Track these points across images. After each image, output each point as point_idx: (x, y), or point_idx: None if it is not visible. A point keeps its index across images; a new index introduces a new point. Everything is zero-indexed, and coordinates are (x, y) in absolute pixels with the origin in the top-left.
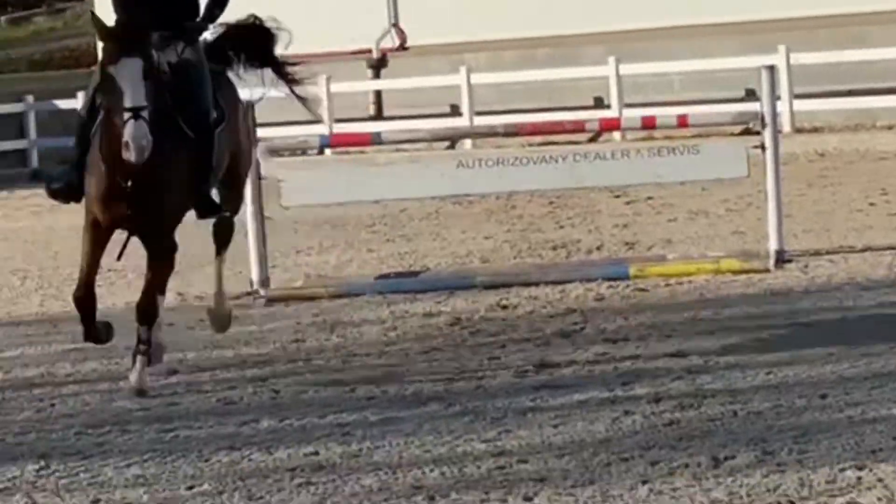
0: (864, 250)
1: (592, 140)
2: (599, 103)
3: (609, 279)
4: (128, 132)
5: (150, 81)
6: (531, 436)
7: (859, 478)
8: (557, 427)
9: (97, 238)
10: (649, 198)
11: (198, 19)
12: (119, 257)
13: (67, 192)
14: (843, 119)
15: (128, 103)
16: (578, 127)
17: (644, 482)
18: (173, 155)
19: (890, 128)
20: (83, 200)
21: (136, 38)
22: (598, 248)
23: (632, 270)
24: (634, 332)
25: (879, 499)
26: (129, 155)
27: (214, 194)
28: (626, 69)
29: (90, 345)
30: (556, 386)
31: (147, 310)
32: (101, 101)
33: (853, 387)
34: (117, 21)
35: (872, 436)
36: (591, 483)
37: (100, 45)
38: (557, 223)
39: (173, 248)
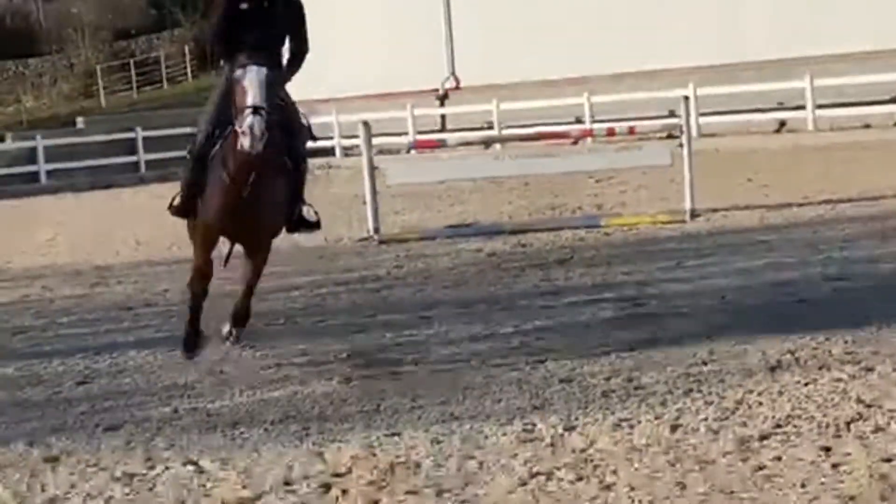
0: (744, 208)
1: (574, 143)
2: (578, 120)
3: (587, 227)
4: (246, 122)
5: (272, 92)
6: (542, 323)
7: (745, 349)
8: (558, 317)
9: (207, 240)
10: (611, 177)
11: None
12: (225, 264)
13: (185, 208)
14: (729, 129)
15: (248, 102)
16: (566, 135)
17: (611, 351)
18: (282, 170)
19: (758, 133)
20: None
21: (265, 53)
22: (580, 209)
23: (602, 222)
24: (604, 259)
25: (759, 360)
26: (245, 142)
27: (306, 212)
28: (595, 99)
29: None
30: (556, 292)
31: (245, 314)
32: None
33: (741, 291)
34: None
35: (755, 321)
36: (580, 353)
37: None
38: (554, 194)
39: (268, 255)
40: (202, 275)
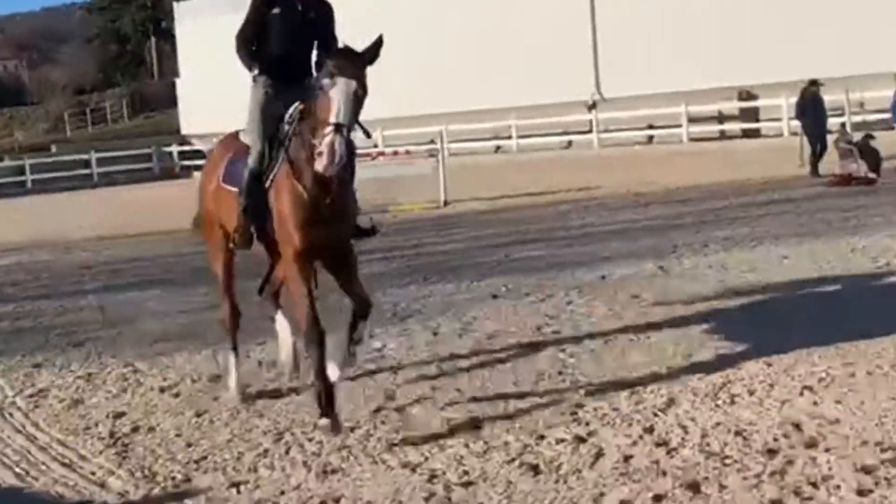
0: (477, 199)
1: (373, 159)
2: (375, 145)
3: (382, 212)
4: (327, 140)
5: (357, 109)
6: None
7: (479, 284)
8: (367, 268)
9: (305, 269)
10: (395, 182)
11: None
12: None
13: (247, 236)
14: (468, 151)
15: (332, 117)
16: (369, 154)
17: (397, 287)
18: (353, 178)
19: (483, 154)
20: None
21: (356, 63)
22: (375, 201)
23: (391, 208)
24: (392, 231)
25: (484, 290)
26: (323, 161)
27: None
28: (385, 132)
29: None
30: (365, 252)
31: (369, 303)
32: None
33: (488, 246)
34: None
35: (485, 266)
36: (379, 289)
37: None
38: (362, 192)
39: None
40: (314, 319)
